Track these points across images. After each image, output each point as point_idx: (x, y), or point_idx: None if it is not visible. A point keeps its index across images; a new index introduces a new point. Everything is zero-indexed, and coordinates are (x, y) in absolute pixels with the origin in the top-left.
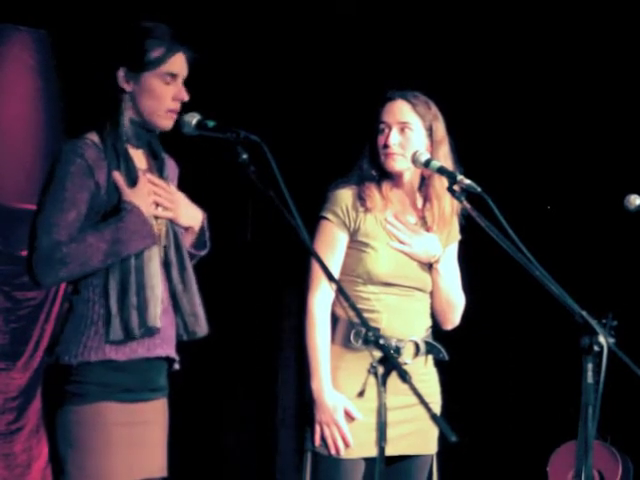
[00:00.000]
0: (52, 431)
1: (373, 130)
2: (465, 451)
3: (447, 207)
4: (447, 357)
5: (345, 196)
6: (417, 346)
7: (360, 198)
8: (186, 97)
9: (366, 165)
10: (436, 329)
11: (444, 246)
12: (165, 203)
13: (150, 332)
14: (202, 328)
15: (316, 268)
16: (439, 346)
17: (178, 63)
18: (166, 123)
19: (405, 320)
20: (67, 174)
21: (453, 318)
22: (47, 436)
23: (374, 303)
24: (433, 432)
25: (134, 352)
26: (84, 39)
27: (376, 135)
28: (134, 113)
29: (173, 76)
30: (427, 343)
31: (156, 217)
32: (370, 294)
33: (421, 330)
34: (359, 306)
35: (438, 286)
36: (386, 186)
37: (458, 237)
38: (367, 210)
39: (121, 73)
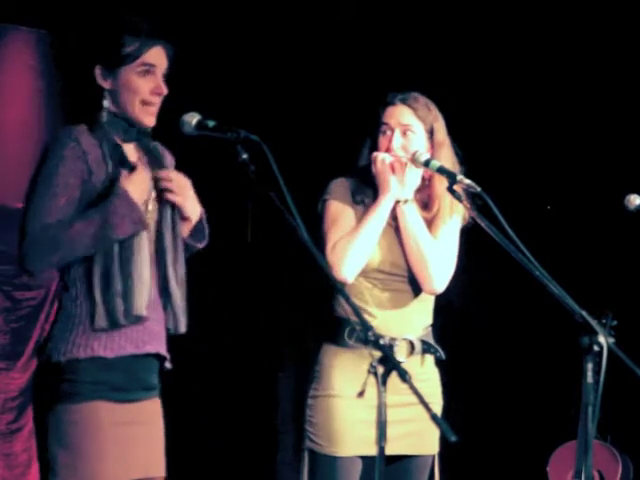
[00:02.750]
0: (43, 430)
1: (374, 131)
2: (465, 451)
3: (447, 207)
4: (444, 356)
5: (341, 186)
6: (412, 345)
7: (358, 193)
8: (164, 91)
9: (367, 166)
10: (438, 329)
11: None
12: (174, 188)
13: (136, 320)
14: (184, 324)
15: (331, 232)
16: (436, 345)
17: (155, 55)
18: (146, 119)
19: (400, 318)
20: (61, 158)
21: (427, 276)
22: (37, 435)
23: (368, 299)
24: (433, 432)
25: (122, 349)
26: (78, 38)
27: (377, 136)
28: (116, 109)
29: (149, 68)
30: (423, 342)
31: (146, 207)
32: (364, 289)
33: (418, 328)
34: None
35: (402, 228)
36: None
37: (461, 212)
38: (361, 203)
39: (98, 71)
